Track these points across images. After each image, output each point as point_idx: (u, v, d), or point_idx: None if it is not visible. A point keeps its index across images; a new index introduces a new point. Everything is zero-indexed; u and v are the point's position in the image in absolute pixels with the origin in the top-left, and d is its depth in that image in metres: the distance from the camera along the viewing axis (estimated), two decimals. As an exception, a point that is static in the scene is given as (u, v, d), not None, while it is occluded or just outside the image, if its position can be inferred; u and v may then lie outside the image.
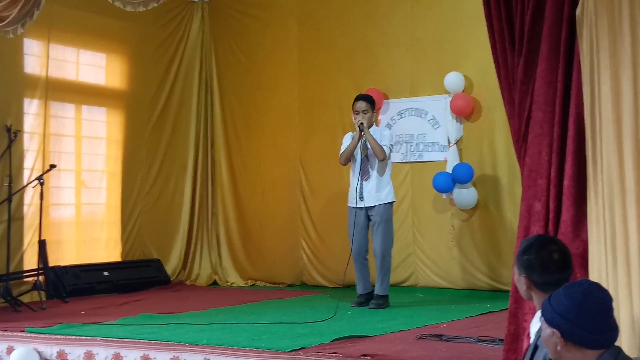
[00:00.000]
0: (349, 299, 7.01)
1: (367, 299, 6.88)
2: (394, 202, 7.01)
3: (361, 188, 6.90)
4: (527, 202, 3.99)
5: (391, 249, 6.94)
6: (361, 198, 6.89)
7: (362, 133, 6.87)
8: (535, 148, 3.96)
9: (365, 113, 6.91)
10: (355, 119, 6.95)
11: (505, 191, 7.85)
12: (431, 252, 8.27)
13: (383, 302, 6.82)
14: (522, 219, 4.01)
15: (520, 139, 4.06)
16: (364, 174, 6.93)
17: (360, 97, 7.02)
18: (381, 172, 6.91)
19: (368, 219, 6.93)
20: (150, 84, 9.26)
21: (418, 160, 8.35)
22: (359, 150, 6.94)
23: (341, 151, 7.05)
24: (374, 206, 6.87)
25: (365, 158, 6.93)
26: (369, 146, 6.88)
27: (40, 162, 8.03)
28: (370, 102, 6.99)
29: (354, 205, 6.92)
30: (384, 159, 6.84)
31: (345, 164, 7.08)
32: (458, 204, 7.99)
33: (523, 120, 4.03)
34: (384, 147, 6.83)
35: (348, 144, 7.00)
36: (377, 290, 6.85)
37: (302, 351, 4.89)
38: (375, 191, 6.88)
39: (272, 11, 9.27)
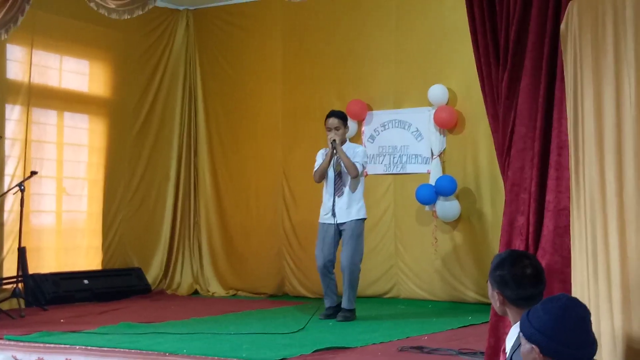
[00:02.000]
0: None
1: (335, 311, 6.89)
2: (365, 218, 7.00)
3: (333, 204, 6.91)
4: (509, 216, 4.01)
5: (359, 264, 6.92)
6: (333, 215, 6.90)
7: (335, 150, 6.88)
8: (518, 163, 3.98)
9: (337, 130, 6.93)
10: (328, 135, 6.97)
11: (488, 204, 7.88)
12: (413, 264, 8.28)
13: (350, 315, 6.82)
14: (503, 233, 4.02)
15: (504, 153, 4.08)
16: (337, 191, 6.93)
17: (331, 114, 7.02)
18: (353, 189, 6.92)
19: (339, 234, 6.94)
20: (134, 92, 9.23)
21: (401, 172, 8.36)
22: (332, 167, 6.95)
23: (315, 168, 7.06)
24: (345, 222, 6.89)
25: (338, 175, 6.94)
26: (342, 163, 6.89)
27: (21, 169, 7.98)
28: (342, 118, 7.01)
29: (326, 222, 6.94)
30: (356, 176, 6.85)
31: (319, 182, 7.06)
32: (441, 216, 8.00)
33: (507, 134, 4.05)
34: (357, 165, 6.85)
35: (322, 161, 7.01)
36: (344, 304, 6.84)
37: (283, 362, 4.88)
38: (346, 207, 6.89)
39: (257, 21, 9.28)
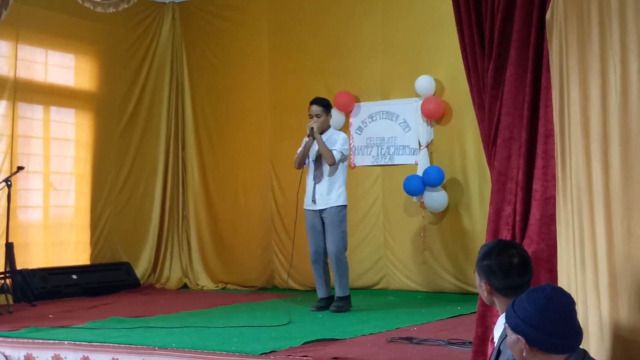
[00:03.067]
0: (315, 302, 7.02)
1: (327, 303, 6.90)
2: (345, 205, 6.98)
3: (314, 191, 6.93)
4: (495, 206, 4.01)
5: (345, 251, 6.93)
6: (314, 201, 6.93)
7: (309, 137, 6.91)
8: (505, 152, 3.98)
9: (318, 117, 6.97)
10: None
11: (475, 194, 7.90)
12: (402, 255, 8.30)
13: (344, 304, 6.83)
14: (490, 223, 4.02)
15: (490, 143, 4.08)
16: (316, 177, 6.97)
17: (313, 101, 7.08)
18: (332, 176, 6.92)
19: (323, 221, 6.94)
20: (120, 86, 9.19)
21: (389, 163, 8.37)
22: (312, 154, 6.96)
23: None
24: (325, 209, 6.90)
25: (317, 161, 6.96)
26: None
27: (7, 164, 7.95)
28: (324, 106, 7.04)
29: (309, 208, 6.97)
30: (332, 163, 6.86)
31: (298, 168, 7.07)
32: (428, 207, 8.02)
33: (493, 124, 4.05)
34: (334, 152, 6.86)
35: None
36: (337, 292, 6.87)
37: (272, 354, 4.88)
38: (325, 194, 6.91)
39: (243, 14, 9.25)
